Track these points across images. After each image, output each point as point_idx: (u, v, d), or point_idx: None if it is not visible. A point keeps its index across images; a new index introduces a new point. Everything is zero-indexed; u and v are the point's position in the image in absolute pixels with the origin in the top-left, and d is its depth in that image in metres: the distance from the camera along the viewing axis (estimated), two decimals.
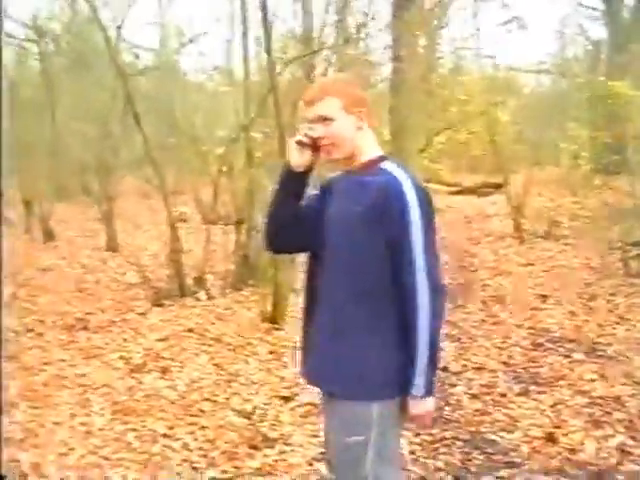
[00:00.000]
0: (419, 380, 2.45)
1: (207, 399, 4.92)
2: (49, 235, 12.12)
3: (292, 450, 4.16)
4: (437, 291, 2.45)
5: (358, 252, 2.49)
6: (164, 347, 6.04)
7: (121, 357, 5.81)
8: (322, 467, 3.92)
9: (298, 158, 2.59)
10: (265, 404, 4.84)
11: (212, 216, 8.60)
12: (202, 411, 4.72)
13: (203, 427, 4.46)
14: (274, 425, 4.50)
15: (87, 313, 7.25)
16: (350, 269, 2.51)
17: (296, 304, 7.10)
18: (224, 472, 3.92)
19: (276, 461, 4.02)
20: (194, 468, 3.95)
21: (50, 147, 12.76)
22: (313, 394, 4.97)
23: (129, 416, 4.64)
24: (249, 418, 4.62)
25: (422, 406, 2.50)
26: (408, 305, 2.44)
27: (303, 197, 2.69)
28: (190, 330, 6.50)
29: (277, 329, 6.45)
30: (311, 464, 4.00)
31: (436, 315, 2.45)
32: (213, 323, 6.75)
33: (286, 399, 4.93)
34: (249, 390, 5.09)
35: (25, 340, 6.40)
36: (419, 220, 2.43)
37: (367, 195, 2.48)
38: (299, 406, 4.80)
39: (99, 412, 4.74)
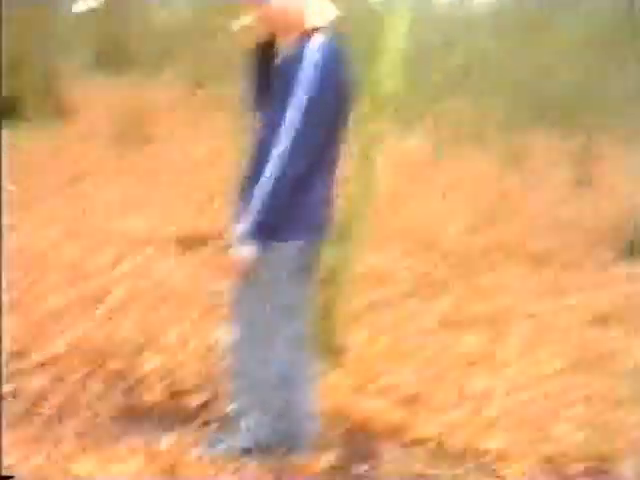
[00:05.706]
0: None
1: None
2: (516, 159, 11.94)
3: None
4: (284, 155, 2.60)
5: None
6: (627, 305, 5.59)
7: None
8: None
9: None
10: None
11: None
12: None
13: None
14: None
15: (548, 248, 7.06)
16: None
17: None
18: None
19: None
20: None
21: (538, 69, 12.29)
22: None
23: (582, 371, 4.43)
24: None
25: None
26: None
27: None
28: None
29: None
30: None
31: (272, 174, 2.61)
32: None
33: None
34: None
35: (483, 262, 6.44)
36: (306, 82, 2.60)
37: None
38: None
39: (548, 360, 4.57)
